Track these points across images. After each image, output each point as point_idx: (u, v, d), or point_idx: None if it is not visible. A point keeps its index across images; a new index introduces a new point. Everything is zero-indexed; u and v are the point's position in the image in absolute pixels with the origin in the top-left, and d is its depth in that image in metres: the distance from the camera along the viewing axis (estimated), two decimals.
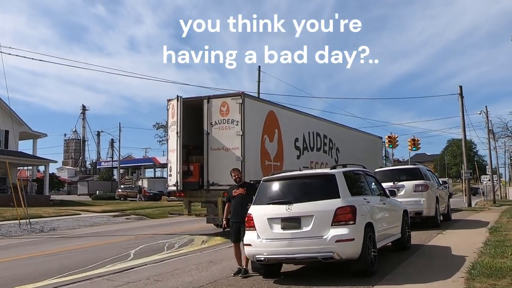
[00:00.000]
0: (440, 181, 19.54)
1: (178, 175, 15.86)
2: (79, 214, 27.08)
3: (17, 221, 21.25)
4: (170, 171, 16.79)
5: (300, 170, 9.00)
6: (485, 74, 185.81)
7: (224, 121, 16.00)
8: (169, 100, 17.19)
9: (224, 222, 9.54)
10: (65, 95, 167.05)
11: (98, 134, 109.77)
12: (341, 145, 23.91)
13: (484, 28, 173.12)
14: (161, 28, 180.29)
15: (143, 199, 51.05)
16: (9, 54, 21.83)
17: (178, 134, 15.98)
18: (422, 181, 15.55)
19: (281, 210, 8.08)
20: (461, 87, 36.41)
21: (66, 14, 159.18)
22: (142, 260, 11.39)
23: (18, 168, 57.48)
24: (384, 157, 32.12)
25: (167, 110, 17.29)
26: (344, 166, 9.37)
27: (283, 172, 9.35)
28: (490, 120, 51.36)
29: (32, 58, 43.34)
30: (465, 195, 36.64)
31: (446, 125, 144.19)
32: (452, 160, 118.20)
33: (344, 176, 8.51)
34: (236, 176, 9.30)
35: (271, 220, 8.18)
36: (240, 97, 15.90)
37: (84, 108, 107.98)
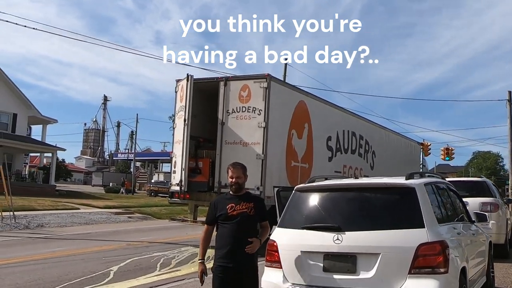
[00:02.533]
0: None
1: (183, 172, 12.83)
2: (78, 209, 24.29)
3: (5, 214, 18.47)
4: (174, 167, 13.78)
5: (356, 178, 5.70)
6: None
7: (244, 109, 12.93)
8: (178, 81, 14.17)
9: (200, 271, 5.03)
10: (89, 86, 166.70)
11: (118, 125, 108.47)
12: (377, 149, 20.64)
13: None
14: (188, 25, 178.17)
15: (124, 193, 49.13)
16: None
17: (186, 122, 12.94)
18: (491, 198, 12.16)
19: (326, 241, 4.97)
20: (510, 92, 32.67)
21: (95, 5, 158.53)
22: (120, 286, 8.35)
23: (31, 154, 55.67)
24: (421, 165, 28.67)
25: (175, 92, 14.28)
26: (422, 174, 6.13)
27: (327, 179, 6.18)
28: None
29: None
30: None
31: (469, 136, 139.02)
32: (477, 173, 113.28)
33: (426, 190, 5.33)
34: (236, 179, 4.88)
35: (307, 255, 5.07)
36: (265, 79, 12.80)
37: (105, 98, 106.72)
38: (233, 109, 13.03)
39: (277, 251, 5.33)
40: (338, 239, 4.91)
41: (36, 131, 45.69)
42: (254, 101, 12.81)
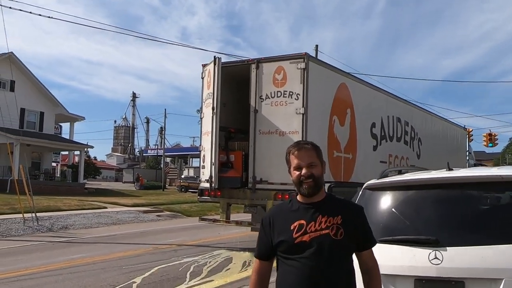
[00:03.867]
0: None
1: (213, 167, 11.42)
2: (105, 208, 23.23)
3: (28, 215, 17.49)
4: (203, 162, 12.39)
5: (449, 169, 4.13)
6: None
7: (279, 93, 11.42)
8: (204, 65, 12.75)
9: None
10: (118, 84, 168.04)
11: (147, 122, 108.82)
12: (423, 135, 18.86)
13: None
14: (213, 19, 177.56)
15: (136, 188, 48.79)
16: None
17: (215, 111, 11.51)
18: None
19: (418, 260, 3.47)
20: None
21: (121, 4, 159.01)
22: None
23: (63, 153, 55.38)
24: (467, 153, 26.65)
25: (202, 78, 12.86)
26: None
27: (401, 172, 4.64)
28: None
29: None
30: None
31: (502, 123, 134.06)
32: None
33: None
34: (308, 170, 2.80)
35: (390, 280, 3.57)
36: (302, 59, 11.26)
37: (134, 95, 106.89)
38: (267, 95, 11.54)
39: None
40: (436, 257, 3.41)
41: (65, 130, 45.21)
42: (291, 84, 11.30)
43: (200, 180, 12.74)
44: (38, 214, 17.82)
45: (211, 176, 11.48)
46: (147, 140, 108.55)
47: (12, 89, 33.99)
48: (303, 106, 11.10)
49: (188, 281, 8.58)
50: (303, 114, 11.11)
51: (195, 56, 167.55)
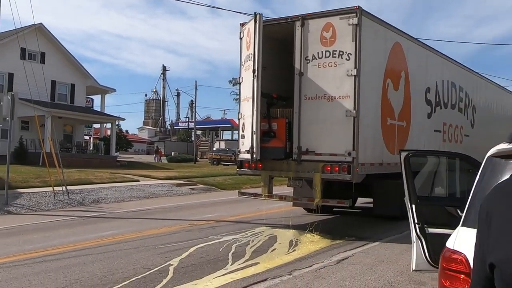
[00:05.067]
0: None
1: (254, 136, 10.31)
2: (137, 181, 22.50)
3: (58, 189, 16.85)
4: (243, 131, 11.30)
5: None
6: None
7: (328, 53, 10.17)
8: (242, 24, 11.53)
9: None
10: (148, 58, 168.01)
11: (178, 95, 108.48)
12: (477, 102, 17.34)
13: None
14: None
15: (155, 160, 48.48)
16: None
17: (256, 73, 10.33)
18: None
19: None
20: None
21: None
22: None
23: (95, 126, 55.27)
24: None
25: (240, 39, 11.66)
26: None
27: None
28: None
29: None
30: None
31: None
32: None
33: None
34: None
35: None
36: (354, 14, 9.94)
37: (164, 68, 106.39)
38: (313, 55, 10.30)
39: (466, 271, 2.75)
40: None
41: (97, 104, 44.83)
42: (341, 43, 10.03)
43: (239, 151, 11.68)
44: (69, 188, 17.17)
45: (252, 147, 10.38)
46: (178, 113, 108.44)
47: (42, 61, 33.48)
48: (355, 67, 9.84)
49: (231, 264, 7.59)
50: (355, 76, 9.86)
51: (224, 29, 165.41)
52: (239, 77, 11.79)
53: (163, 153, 53.86)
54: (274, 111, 11.07)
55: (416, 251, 5.43)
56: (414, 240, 5.45)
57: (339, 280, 6.64)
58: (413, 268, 5.48)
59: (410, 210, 5.47)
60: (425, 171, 6.16)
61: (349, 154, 9.82)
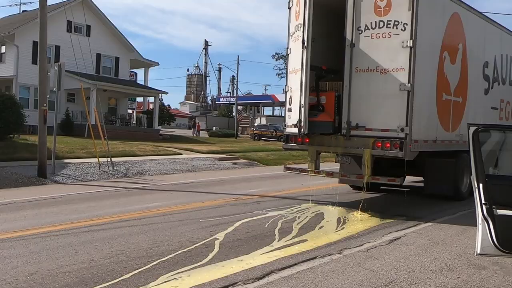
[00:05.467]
0: None
1: (302, 109, 9.96)
2: (180, 154, 22.55)
3: (103, 160, 17.04)
4: (290, 104, 10.94)
5: None
6: None
7: (382, 23, 9.63)
8: None
9: None
10: (191, 33, 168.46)
11: (219, 70, 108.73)
12: None
13: None
14: None
15: (193, 135, 48.56)
16: None
17: (305, 44, 9.91)
18: None
19: None
20: None
21: None
22: (229, 269, 5.82)
23: (138, 100, 55.91)
24: None
25: (289, 8, 11.23)
26: None
27: None
28: None
29: None
30: None
31: None
32: None
33: None
34: None
35: None
36: None
37: (206, 43, 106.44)
38: (366, 26, 9.78)
39: None
40: None
41: (140, 78, 45.23)
42: (396, 12, 9.47)
43: (285, 125, 11.35)
44: (113, 159, 17.34)
45: (299, 120, 10.04)
46: (219, 88, 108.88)
47: (88, 34, 33.86)
48: (411, 38, 9.29)
49: (278, 240, 7.35)
50: (410, 48, 9.32)
51: (267, 4, 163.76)
52: (287, 49, 11.38)
53: (201, 127, 54.17)
54: (323, 84, 10.66)
55: (481, 233, 5.04)
56: (480, 222, 5.07)
57: (393, 261, 6.31)
58: (478, 252, 5.10)
59: (476, 189, 5.07)
60: (489, 148, 5.70)
61: (402, 130, 9.36)
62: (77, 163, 16.99)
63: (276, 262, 6.14)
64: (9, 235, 7.30)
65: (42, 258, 6.08)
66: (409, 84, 9.29)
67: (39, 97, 15.37)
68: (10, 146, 18.86)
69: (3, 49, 33.12)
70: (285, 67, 11.24)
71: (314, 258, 6.40)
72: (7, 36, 31.63)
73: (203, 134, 50.29)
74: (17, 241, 6.98)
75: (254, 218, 9.00)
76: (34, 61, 28.61)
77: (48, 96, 15.34)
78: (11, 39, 31.76)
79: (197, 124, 54.57)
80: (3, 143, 19.37)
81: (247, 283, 5.29)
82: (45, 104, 14.83)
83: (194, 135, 48.82)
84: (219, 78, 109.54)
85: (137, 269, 5.68)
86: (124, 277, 5.38)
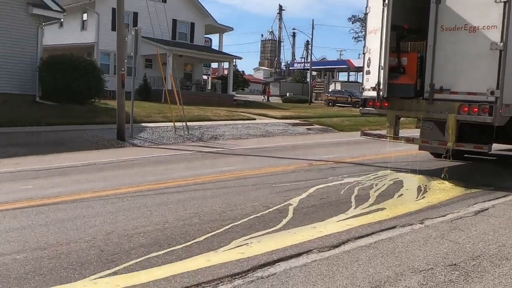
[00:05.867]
0: None
1: (382, 71, 9.42)
2: (254, 119, 22.54)
3: (179, 124, 17.32)
4: (368, 66, 10.40)
5: None
6: None
7: None
8: None
9: None
10: None
11: (294, 35, 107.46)
12: None
13: None
14: None
15: (263, 100, 48.08)
16: None
17: (386, 2, 9.31)
18: None
19: None
20: None
21: None
22: (303, 236, 5.63)
23: (213, 67, 56.47)
24: None
25: None
26: None
27: None
28: None
29: None
30: None
31: None
32: None
33: None
34: None
35: None
36: None
37: (280, 8, 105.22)
38: None
39: None
40: None
41: (214, 44, 45.42)
42: None
43: (363, 89, 10.85)
44: (188, 123, 17.57)
45: (378, 83, 9.53)
46: (293, 54, 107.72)
47: (164, 0, 34.22)
48: None
49: (355, 208, 7.05)
50: (505, 3, 8.46)
51: None
52: (366, 7, 10.76)
53: (272, 93, 53.88)
54: (404, 44, 10.02)
55: None
56: None
57: (480, 234, 5.85)
58: None
59: None
60: None
61: (492, 93, 8.61)
62: (154, 127, 17.38)
63: (352, 231, 5.87)
64: (89, 195, 7.51)
65: (119, 218, 6.18)
66: (502, 43, 8.48)
67: (117, 62, 15.72)
68: (91, 110, 19.62)
69: (85, 16, 34.31)
70: (362, 30, 10.61)
71: (394, 227, 6.06)
72: (88, 4, 32.69)
73: (277, 100, 50.10)
74: (96, 201, 7.16)
75: (329, 184, 8.73)
76: (113, 28, 29.38)
77: (126, 61, 15.65)
78: (92, 6, 32.80)
79: (267, 90, 54.34)
80: (85, 107, 20.19)
81: (322, 251, 5.07)
82: (123, 69, 15.13)
83: (264, 100, 48.67)
84: (293, 44, 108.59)
85: (210, 232, 5.62)
86: (197, 240, 5.34)
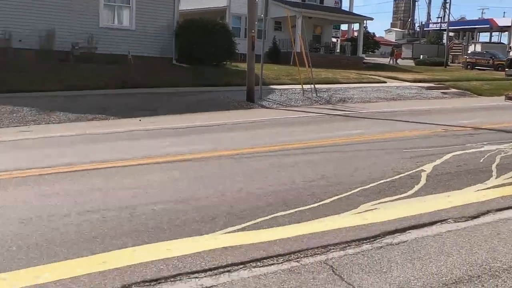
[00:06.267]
0: None
1: None
2: (384, 82, 21.66)
3: (307, 86, 17.27)
4: None
5: None
6: None
7: None
8: None
9: None
10: None
11: None
12: None
13: None
14: None
15: (390, 63, 44.85)
16: None
17: None
18: None
19: None
20: None
21: None
22: (437, 204, 5.31)
23: (342, 29, 55.21)
24: None
25: None
26: None
27: None
28: None
29: None
30: None
31: None
32: None
33: None
34: None
35: None
36: None
37: None
38: None
39: None
40: None
41: (344, 5, 44.18)
42: None
43: (510, 48, 9.83)
44: (317, 86, 17.42)
45: None
46: (429, 14, 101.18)
47: None
48: None
49: (496, 177, 6.49)
50: None
51: None
52: None
53: (400, 55, 50.77)
54: None
55: None
56: None
57: None
58: None
59: None
60: None
61: None
62: (282, 89, 17.49)
63: (493, 202, 5.41)
64: (221, 153, 7.79)
65: (248, 177, 6.32)
66: None
67: (248, 24, 15.95)
68: (223, 72, 20.25)
69: None
70: None
71: None
72: None
73: (409, 63, 47.62)
74: (227, 159, 7.39)
75: (466, 151, 8.13)
76: None
77: (256, 23, 15.80)
78: None
79: (395, 52, 51.38)
80: (217, 69, 20.90)
81: (459, 221, 4.74)
82: (253, 31, 15.30)
83: (390, 63, 46.19)
84: (429, 3, 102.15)
85: (337, 195, 5.52)
86: (324, 201, 5.28)
